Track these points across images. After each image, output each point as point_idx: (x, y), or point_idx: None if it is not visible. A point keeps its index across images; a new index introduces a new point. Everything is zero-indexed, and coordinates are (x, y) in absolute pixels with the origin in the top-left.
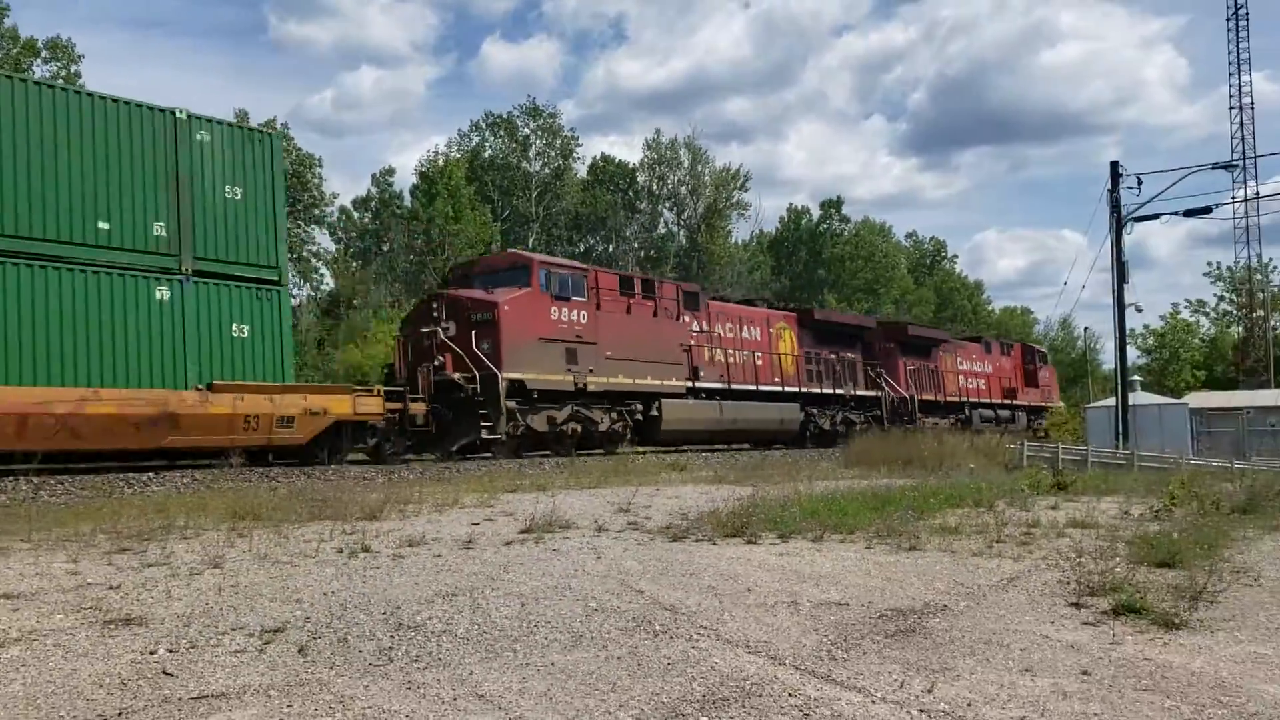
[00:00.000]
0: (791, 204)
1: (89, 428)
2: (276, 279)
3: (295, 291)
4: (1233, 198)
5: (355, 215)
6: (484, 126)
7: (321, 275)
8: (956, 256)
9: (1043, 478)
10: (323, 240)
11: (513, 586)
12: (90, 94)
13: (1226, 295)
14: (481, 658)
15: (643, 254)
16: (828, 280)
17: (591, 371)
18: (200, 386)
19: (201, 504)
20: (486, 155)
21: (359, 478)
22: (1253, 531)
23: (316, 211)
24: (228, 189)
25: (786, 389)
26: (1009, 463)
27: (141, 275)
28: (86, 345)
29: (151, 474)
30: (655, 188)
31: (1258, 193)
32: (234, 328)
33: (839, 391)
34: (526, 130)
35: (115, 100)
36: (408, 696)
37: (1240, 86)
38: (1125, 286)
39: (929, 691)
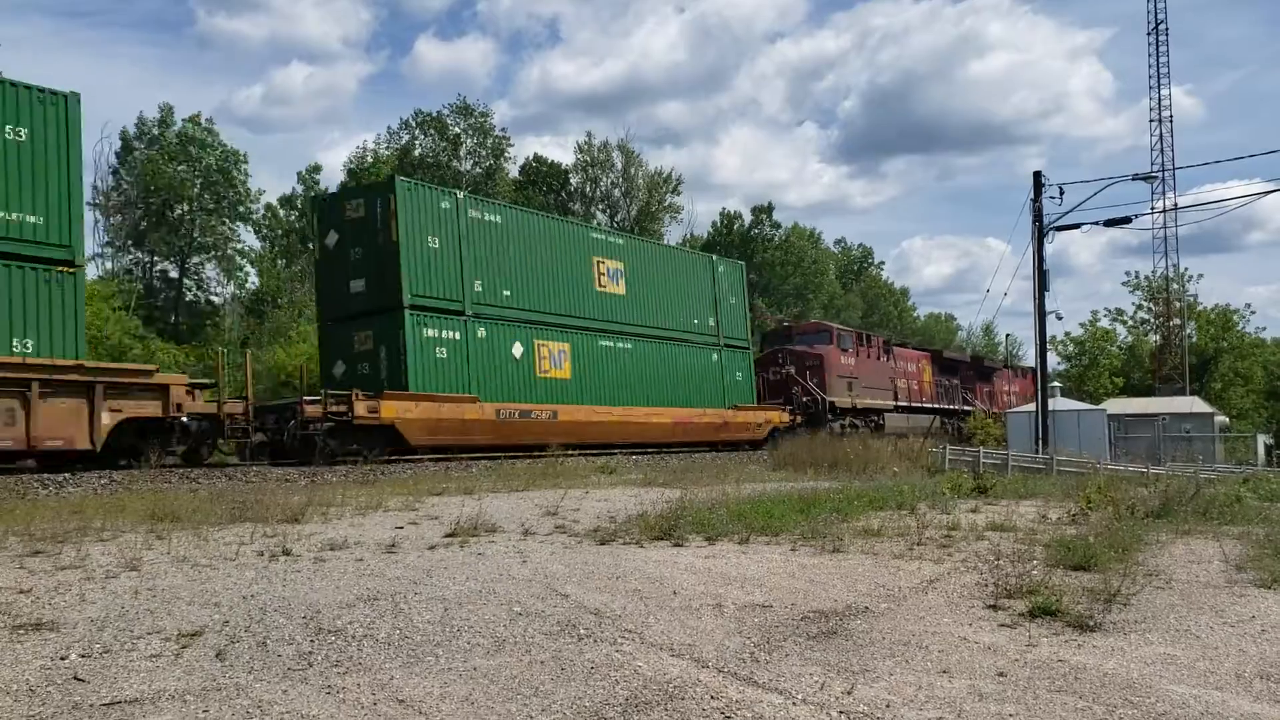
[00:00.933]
0: (724, 208)
1: None
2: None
3: (219, 290)
4: (1152, 208)
5: (281, 213)
6: (414, 125)
7: (247, 273)
8: (883, 263)
9: (964, 481)
10: (248, 238)
11: (436, 591)
12: None
13: (1144, 304)
14: (403, 663)
15: None
16: (758, 285)
17: (857, 396)
18: None
19: (119, 506)
20: (417, 154)
21: (281, 480)
22: (1165, 535)
23: (242, 209)
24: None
25: (927, 405)
26: (931, 466)
27: None
28: None
29: (68, 475)
30: (588, 190)
31: (1175, 204)
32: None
33: (951, 406)
34: (457, 129)
35: None
36: (327, 701)
37: (1160, 100)
38: (1046, 294)
39: (849, 693)
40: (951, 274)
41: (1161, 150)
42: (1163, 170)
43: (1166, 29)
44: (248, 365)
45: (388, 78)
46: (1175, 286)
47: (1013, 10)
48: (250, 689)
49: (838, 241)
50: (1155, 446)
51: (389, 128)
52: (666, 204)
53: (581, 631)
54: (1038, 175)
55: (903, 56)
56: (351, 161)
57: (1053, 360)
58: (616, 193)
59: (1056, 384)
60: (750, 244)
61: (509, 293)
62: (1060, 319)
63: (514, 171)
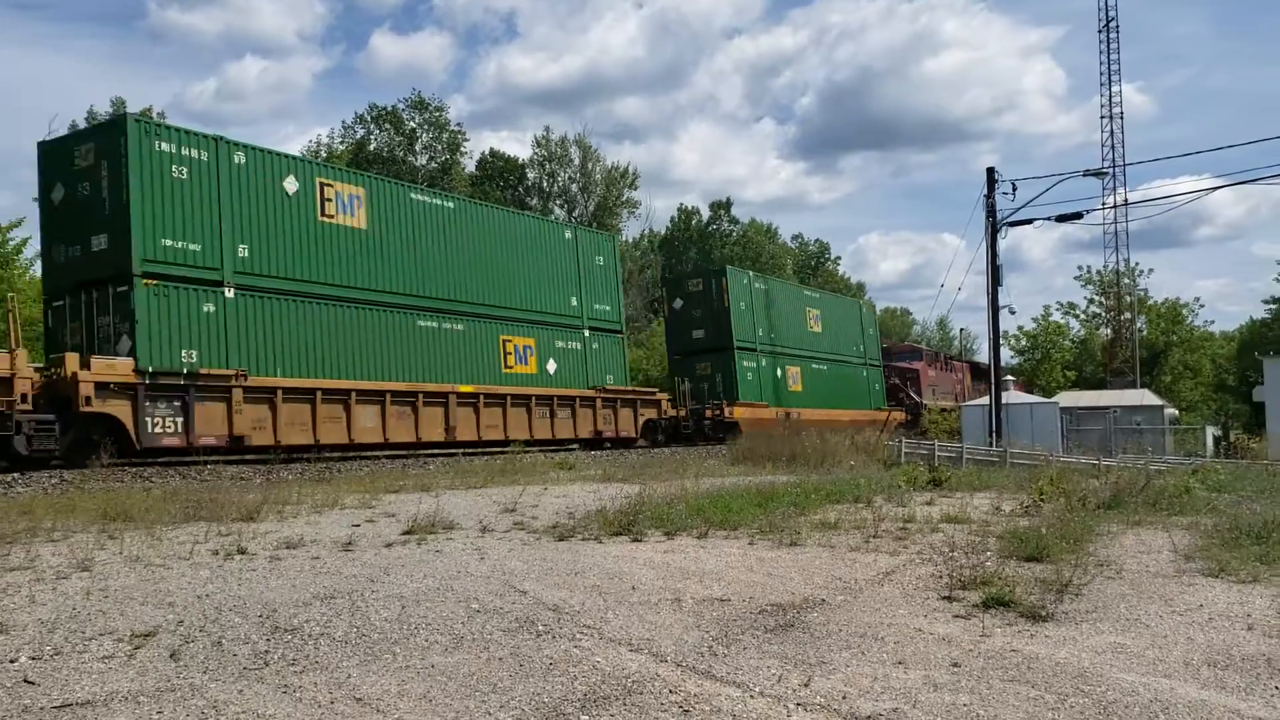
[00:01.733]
0: (682, 204)
1: None
2: None
3: None
4: (1103, 204)
5: None
6: (369, 119)
7: None
8: (840, 258)
9: (919, 474)
10: None
11: (393, 589)
12: None
13: (1096, 298)
14: (360, 661)
15: None
16: None
17: (936, 399)
18: None
19: (70, 505)
20: (372, 148)
21: (236, 478)
22: (1116, 526)
23: None
24: None
25: None
26: (887, 459)
27: None
28: None
29: (17, 475)
30: (546, 185)
31: (1126, 199)
32: None
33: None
34: (413, 124)
35: None
36: (283, 700)
37: (1111, 97)
38: (999, 289)
39: (806, 685)
40: (907, 269)
41: (1112, 146)
42: (1113, 166)
43: (1117, 26)
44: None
45: (343, 72)
46: (1126, 281)
47: (967, 8)
48: (205, 689)
49: (795, 237)
50: (1107, 439)
51: (343, 122)
52: (624, 199)
53: (540, 628)
54: (991, 171)
55: (859, 53)
56: (303, 156)
57: (1006, 354)
58: (574, 188)
59: (1010, 378)
60: (708, 239)
61: (774, 334)
62: (1014, 313)
63: (470, 166)
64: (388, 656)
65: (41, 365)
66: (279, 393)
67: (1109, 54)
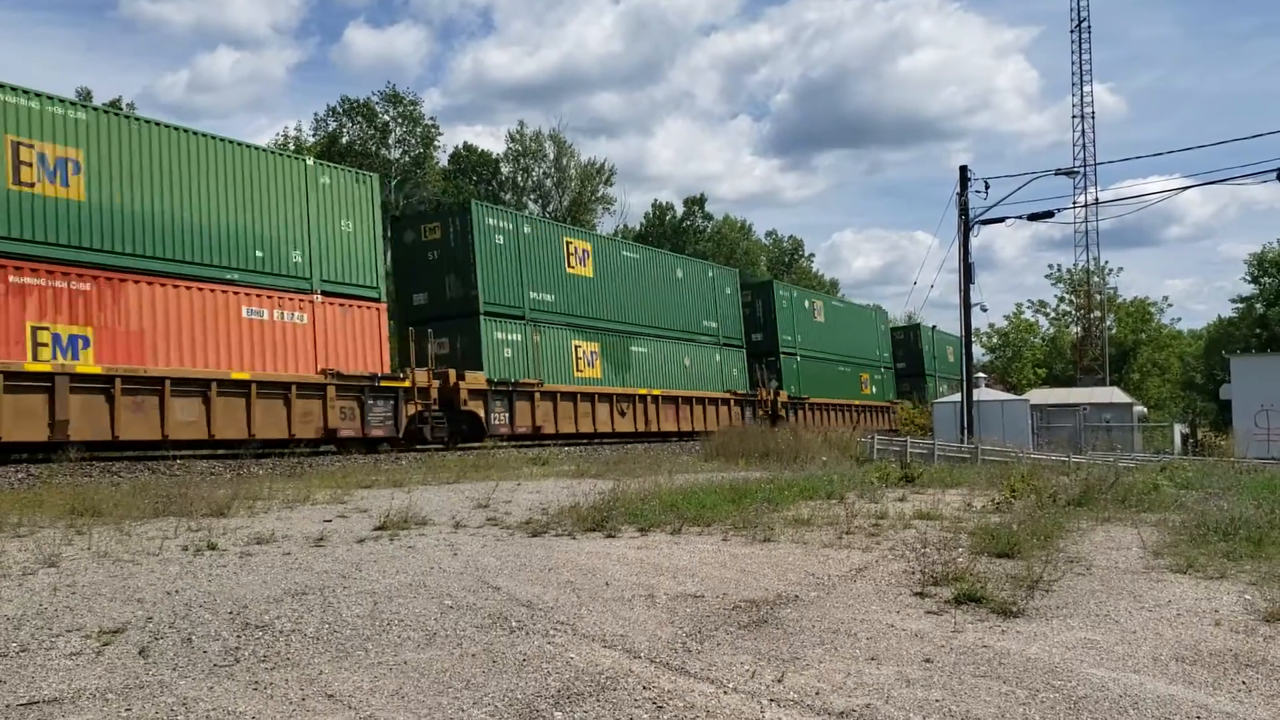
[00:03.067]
0: (657, 200)
1: None
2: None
3: None
4: (1074, 203)
5: None
6: (341, 112)
7: None
8: (813, 255)
9: (891, 471)
10: None
11: (365, 584)
12: None
13: (1066, 296)
14: (332, 657)
15: None
16: None
17: None
18: None
19: (37, 500)
20: (344, 141)
21: (206, 473)
22: (1086, 523)
23: None
24: None
25: None
26: (860, 456)
27: None
28: None
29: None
30: (520, 179)
31: (1096, 198)
32: None
33: None
34: (386, 117)
35: None
36: (254, 697)
37: (1083, 97)
38: (971, 286)
39: (779, 681)
40: (880, 266)
41: (1084, 146)
42: (1085, 165)
43: (1089, 27)
44: None
45: (317, 65)
46: (1096, 279)
47: (943, 7)
48: (174, 686)
49: (769, 233)
50: (1076, 436)
51: (315, 114)
52: (599, 195)
53: (514, 624)
54: (964, 170)
55: (835, 51)
56: (272, 148)
57: (977, 351)
58: (548, 183)
59: (981, 375)
60: (682, 235)
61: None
62: (985, 310)
63: (443, 160)
64: (360, 653)
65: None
66: (558, 396)
67: (1080, 55)
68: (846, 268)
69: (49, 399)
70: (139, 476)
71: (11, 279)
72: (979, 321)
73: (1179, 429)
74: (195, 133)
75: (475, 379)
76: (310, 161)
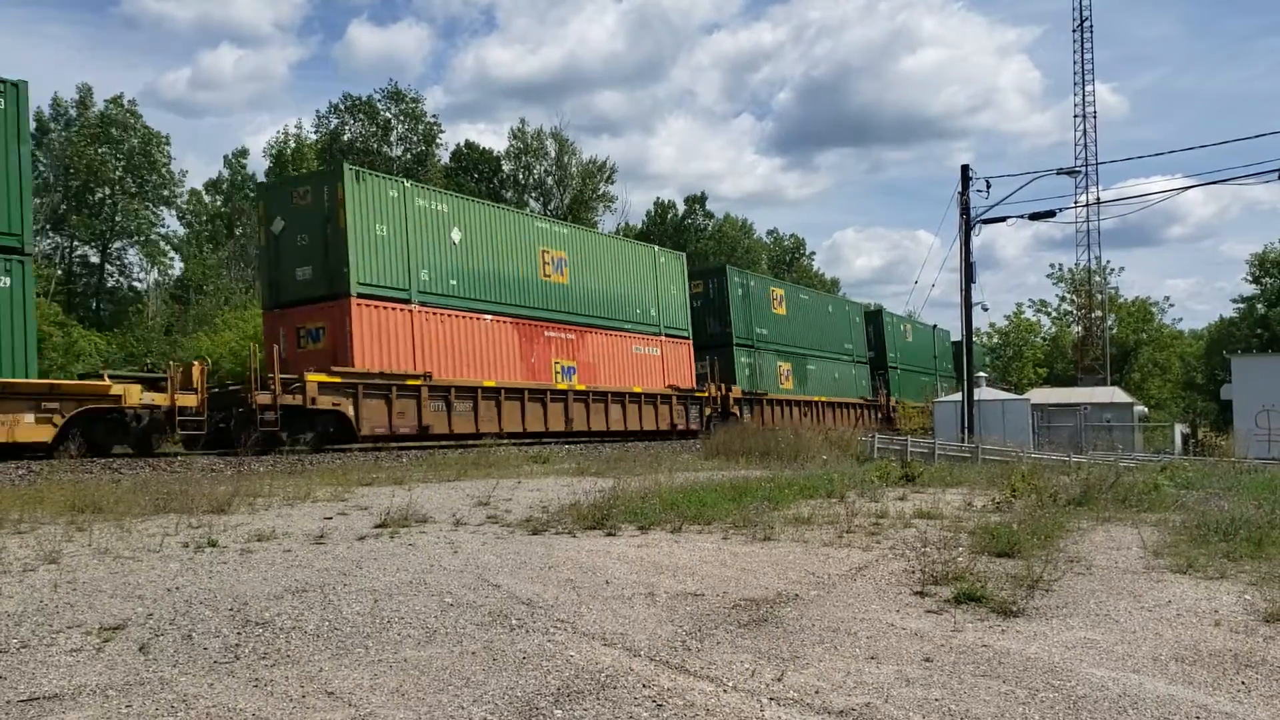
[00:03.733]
0: (658, 198)
1: None
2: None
3: (142, 276)
4: (1075, 202)
5: (206, 198)
6: (343, 109)
7: (171, 259)
8: (815, 254)
9: (892, 470)
10: (172, 223)
11: (366, 582)
12: None
13: (1067, 296)
14: (332, 654)
15: None
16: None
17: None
18: None
19: (38, 497)
20: (346, 138)
21: (207, 469)
22: (1086, 522)
23: (165, 193)
24: None
25: None
26: (861, 455)
27: None
28: None
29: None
30: (521, 177)
31: (1098, 198)
32: None
33: None
34: (388, 114)
35: None
36: (254, 695)
37: (1085, 96)
38: (973, 286)
39: (779, 680)
40: (881, 265)
41: (1085, 146)
42: (1086, 165)
43: (1091, 27)
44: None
45: (320, 62)
46: (1097, 279)
47: (945, 6)
48: (175, 683)
49: (770, 232)
50: (1077, 435)
51: (317, 112)
52: (600, 193)
53: (514, 622)
54: (965, 169)
55: (837, 50)
56: (273, 146)
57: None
58: (550, 181)
59: (982, 374)
60: (683, 234)
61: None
62: (986, 310)
63: (445, 158)
64: (360, 650)
65: None
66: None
67: (1083, 54)
68: (848, 266)
69: (564, 406)
70: (139, 473)
71: (548, 334)
72: (980, 321)
73: (1180, 429)
74: (607, 235)
75: (735, 390)
76: (655, 249)
